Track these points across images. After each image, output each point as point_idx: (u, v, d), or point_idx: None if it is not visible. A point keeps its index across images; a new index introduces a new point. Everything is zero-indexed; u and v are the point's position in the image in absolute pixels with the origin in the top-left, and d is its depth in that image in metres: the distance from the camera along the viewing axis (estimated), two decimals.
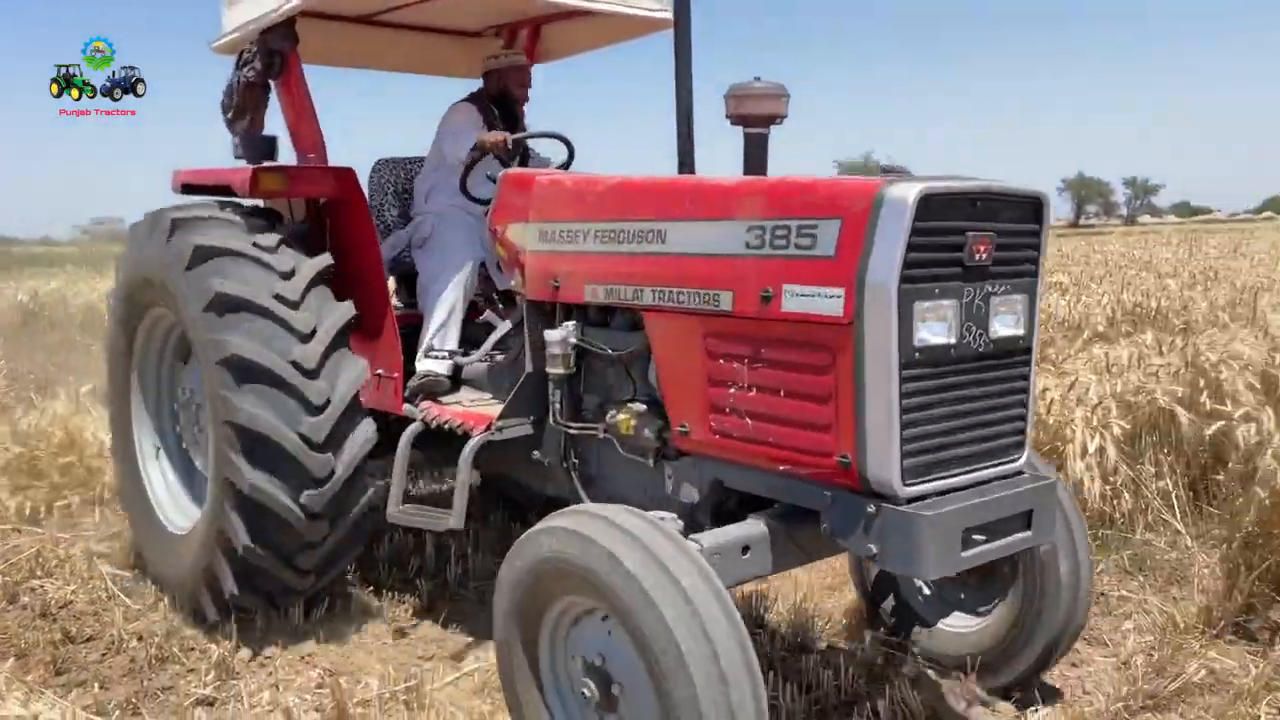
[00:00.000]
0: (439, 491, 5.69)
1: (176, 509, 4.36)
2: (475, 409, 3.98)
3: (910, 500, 2.58)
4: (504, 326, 3.91)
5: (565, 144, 4.24)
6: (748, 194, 2.85)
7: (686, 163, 3.43)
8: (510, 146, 4.16)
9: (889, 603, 3.80)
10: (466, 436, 3.78)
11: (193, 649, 3.83)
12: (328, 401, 3.70)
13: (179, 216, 3.88)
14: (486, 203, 4.23)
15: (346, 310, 3.86)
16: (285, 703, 3.42)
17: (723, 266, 2.88)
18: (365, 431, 3.82)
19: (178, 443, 4.50)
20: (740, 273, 2.82)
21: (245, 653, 3.79)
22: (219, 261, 3.73)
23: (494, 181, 3.90)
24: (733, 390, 2.90)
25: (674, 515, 2.79)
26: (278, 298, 3.71)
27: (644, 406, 3.27)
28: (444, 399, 4.09)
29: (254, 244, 3.81)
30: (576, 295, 3.43)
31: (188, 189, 4.49)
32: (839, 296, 2.56)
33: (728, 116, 3.33)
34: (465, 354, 4.17)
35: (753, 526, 2.87)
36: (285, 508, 3.63)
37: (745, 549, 2.82)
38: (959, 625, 3.60)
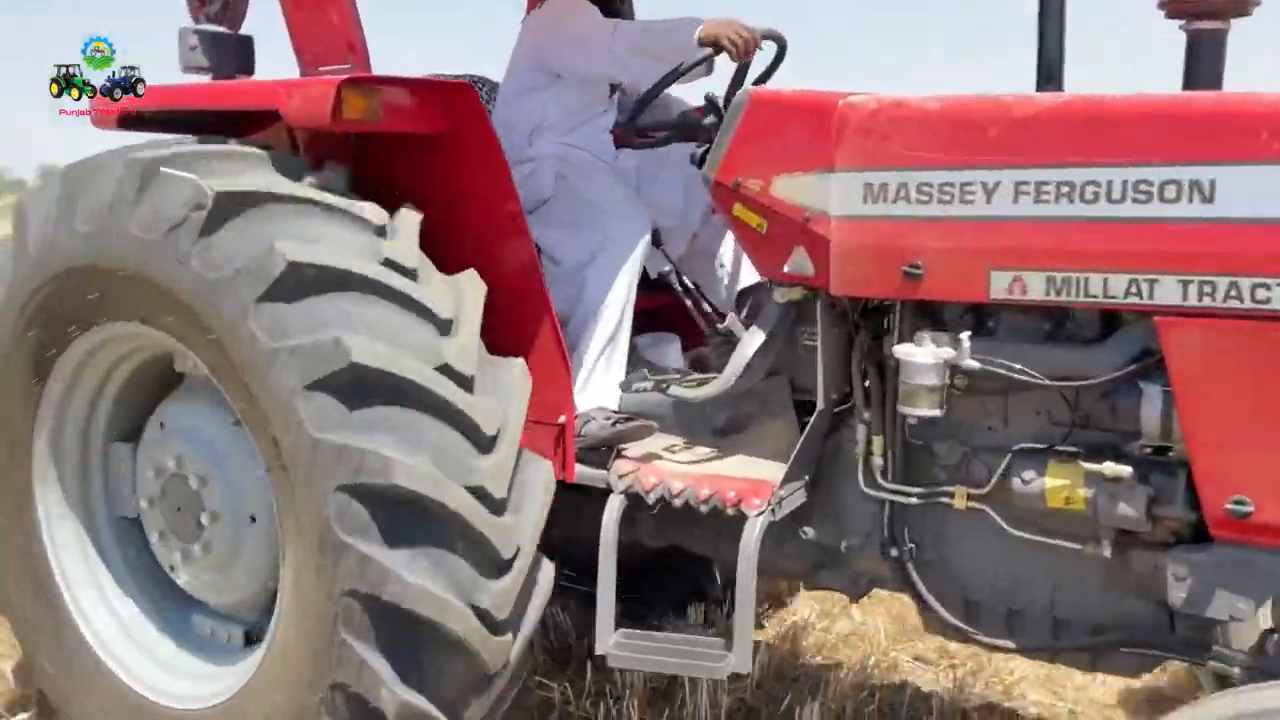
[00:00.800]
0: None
1: (148, 660, 2.59)
2: (700, 467, 2.54)
3: None
4: (751, 337, 2.48)
5: (776, 42, 2.79)
6: None
7: (1052, 71, 2.21)
8: (761, 48, 2.71)
9: None
10: (716, 515, 2.37)
11: None
12: (517, 551, 2.20)
13: (234, 189, 2.12)
14: (653, 140, 2.80)
15: (523, 384, 2.33)
16: None
17: None
18: (545, 581, 2.37)
19: (126, 539, 2.70)
20: None
21: None
22: (342, 299, 2.08)
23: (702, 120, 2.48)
24: None
25: None
26: (447, 372, 2.13)
27: (1120, 466, 2.02)
28: (631, 452, 2.60)
29: (387, 260, 2.17)
30: (970, 289, 2.11)
31: (128, 123, 2.64)
32: None
33: (1161, 5, 2.16)
34: (682, 379, 2.65)
35: None
36: None
37: None
38: None
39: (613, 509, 2.43)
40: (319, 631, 2.08)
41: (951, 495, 2.27)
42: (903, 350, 2.17)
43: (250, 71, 2.86)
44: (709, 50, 2.72)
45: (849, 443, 2.42)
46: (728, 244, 3.01)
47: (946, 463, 2.30)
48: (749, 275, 3.00)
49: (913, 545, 2.35)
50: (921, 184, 2.14)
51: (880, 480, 2.33)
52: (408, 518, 2.04)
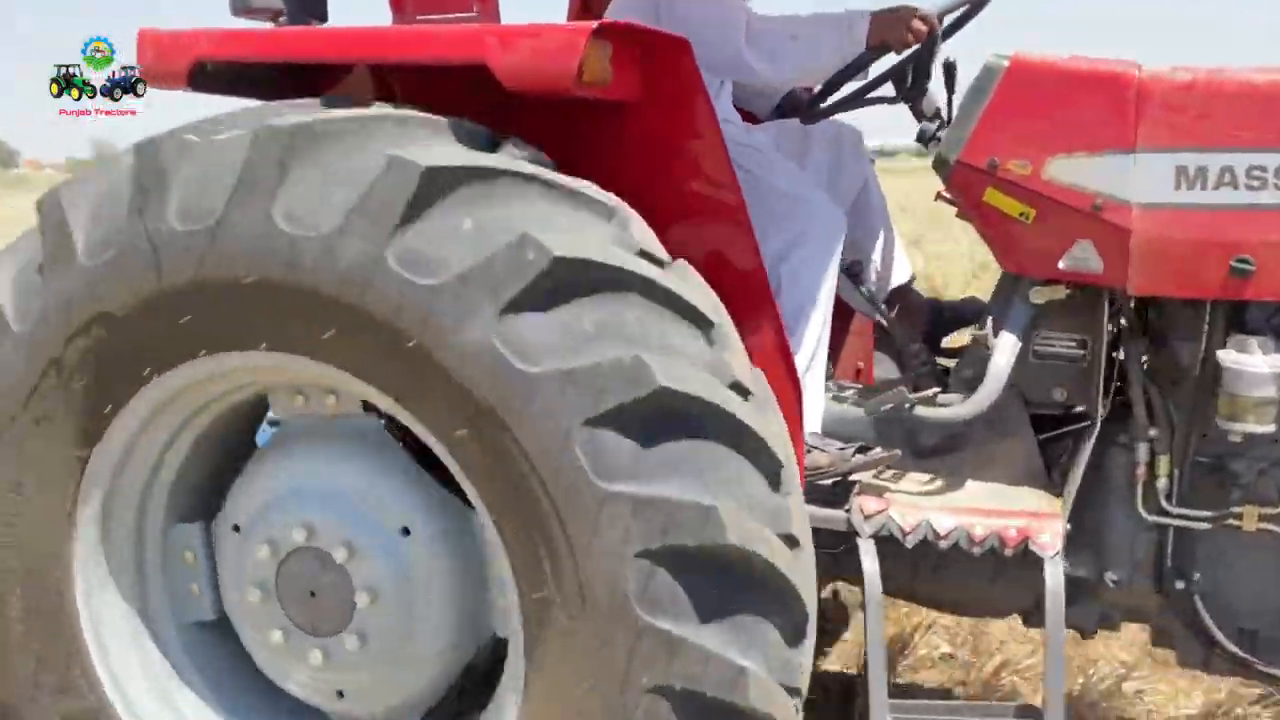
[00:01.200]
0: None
1: None
2: (943, 499, 2.16)
3: None
4: (1003, 345, 2.12)
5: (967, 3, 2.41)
6: None
7: None
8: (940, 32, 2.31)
9: None
10: (994, 557, 2.02)
11: None
12: (787, 458, 1.76)
13: (443, 164, 1.59)
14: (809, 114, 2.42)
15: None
16: None
17: None
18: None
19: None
20: None
21: None
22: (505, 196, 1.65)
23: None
24: None
25: None
26: (647, 256, 1.70)
27: None
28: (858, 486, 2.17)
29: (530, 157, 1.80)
30: None
31: (198, 80, 1.94)
32: None
33: None
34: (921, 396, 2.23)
35: None
36: None
37: None
38: None
39: (872, 556, 2.02)
40: (607, 633, 1.56)
41: (1239, 517, 2.03)
42: (1233, 359, 1.90)
43: (324, 17, 2.22)
44: (878, 53, 2.34)
45: (1117, 462, 2.13)
46: (876, 235, 2.65)
47: (1242, 481, 2.05)
48: (901, 271, 2.67)
49: (1198, 577, 2.10)
50: (1253, 168, 1.88)
51: (1165, 504, 2.06)
52: (679, 432, 1.55)
